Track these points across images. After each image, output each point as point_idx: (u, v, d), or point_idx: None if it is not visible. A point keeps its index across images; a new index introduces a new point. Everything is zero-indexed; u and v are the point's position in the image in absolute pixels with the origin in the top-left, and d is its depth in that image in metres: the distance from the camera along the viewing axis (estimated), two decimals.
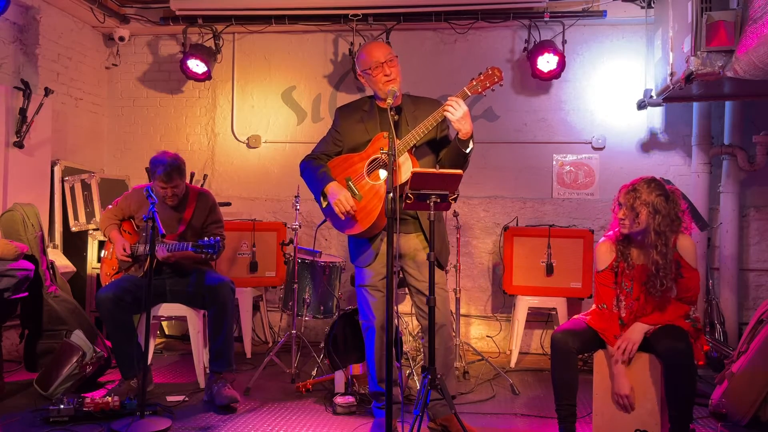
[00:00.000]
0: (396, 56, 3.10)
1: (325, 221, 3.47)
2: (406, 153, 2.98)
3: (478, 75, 2.92)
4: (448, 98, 2.88)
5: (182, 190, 3.82)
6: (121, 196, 4.02)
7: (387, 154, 2.70)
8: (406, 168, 2.93)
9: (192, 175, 5.04)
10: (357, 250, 3.22)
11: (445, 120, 2.98)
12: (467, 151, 2.97)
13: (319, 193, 3.11)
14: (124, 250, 3.77)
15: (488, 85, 2.89)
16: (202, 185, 5.39)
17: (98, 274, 4.88)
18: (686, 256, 2.82)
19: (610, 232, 2.98)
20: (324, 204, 3.10)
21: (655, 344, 2.76)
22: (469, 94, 2.90)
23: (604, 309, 2.88)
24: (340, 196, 3.01)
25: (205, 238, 3.53)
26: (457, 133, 2.93)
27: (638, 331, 2.79)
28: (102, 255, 4.05)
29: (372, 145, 3.09)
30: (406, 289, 3.32)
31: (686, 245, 2.83)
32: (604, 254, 2.95)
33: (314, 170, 3.17)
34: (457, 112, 2.85)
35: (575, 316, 3.03)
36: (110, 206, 4.00)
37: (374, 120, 3.14)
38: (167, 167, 3.67)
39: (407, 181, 2.72)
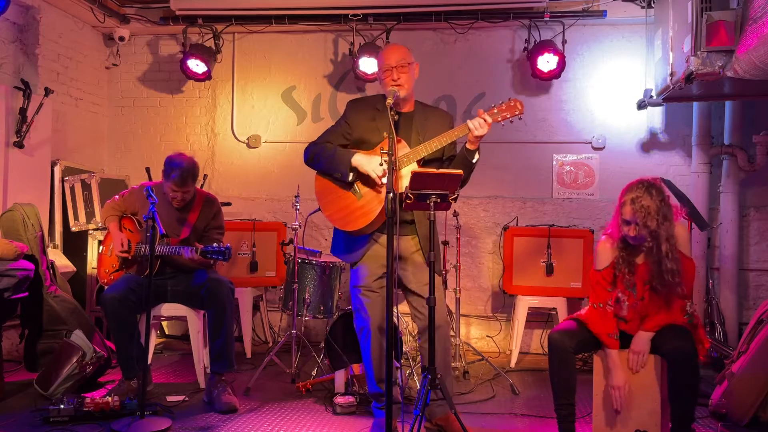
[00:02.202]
0: (410, 63, 3.07)
1: (317, 210, 3.43)
2: (414, 164, 2.96)
3: (500, 103, 2.94)
4: (480, 113, 2.89)
5: (191, 195, 3.82)
6: (128, 189, 3.98)
7: (387, 154, 2.69)
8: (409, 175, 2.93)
9: None
10: (345, 246, 3.19)
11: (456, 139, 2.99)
12: (474, 160, 2.97)
13: (345, 167, 3.02)
14: (122, 245, 3.75)
15: (508, 116, 2.93)
16: (202, 185, 5.39)
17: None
18: (680, 245, 2.81)
19: (610, 230, 2.95)
20: (350, 177, 3.03)
21: (660, 344, 2.76)
22: (489, 120, 2.91)
23: (600, 308, 2.87)
24: (372, 165, 2.96)
25: (215, 245, 3.52)
26: (466, 142, 2.94)
27: (644, 341, 2.78)
28: (99, 251, 4.02)
29: (381, 146, 3.07)
30: (400, 290, 3.30)
31: (680, 233, 2.82)
32: (606, 253, 2.91)
33: (328, 149, 3.11)
34: (481, 129, 2.87)
35: (571, 316, 3.03)
36: (117, 197, 3.96)
37: (386, 120, 3.12)
38: (183, 172, 3.63)
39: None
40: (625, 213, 2.77)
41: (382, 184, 2.96)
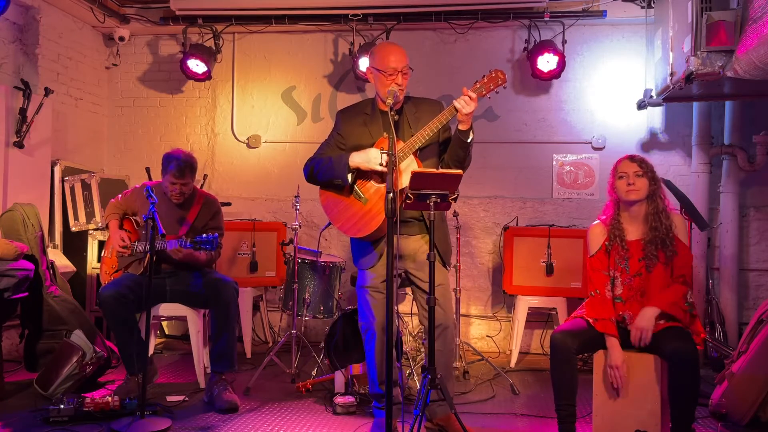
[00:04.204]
0: (411, 69, 3.07)
1: (329, 225, 3.46)
2: (411, 156, 2.97)
3: (482, 77, 2.92)
4: (464, 91, 2.88)
5: (190, 189, 3.84)
6: (130, 189, 4.02)
7: (387, 153, 2.69)
8: (410, 171, 2.92)
9: None
10: (360, 253, 3.20)
11: (447, 122, 2.98)
12: (469, 140, 2.96)
13: (343, 170, 3.02)
14: (122, 240, 3.77)
15: (492, 87, 2.91)
16: (201, 185, 5.40)
17: (98, 274, 4.89)
18: (678, 233, 2.89)
19: (603, 216, 3.04)
20: (350, 179, 3.02)
21: (661, 345, 2.76)
22: (474, 96, 2.91)
23: (597, 295, 2.90)
24: (370, 154, 2.97)
25: (203, 234, 3.52)
26: (458, 125, 2.94)
27: (648, 318, 2.78)
28: (102, 254, 4.05)
29: (376, 148, 3.06)
30: (407, 289, 3.30)
31: (678, 221, 2.92)
32: (597, 236, 3.00)
33: (324, 161, 3.12)
34: (468, 107, 2.87)
35: (573, 315, 3.04)
36: (119, 196, 4.00)
37: (377, 123, 3.13)
38: (181, 163, 3.70)
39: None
40: (621, 168, 2.95)
41: (384, 169, 2.94)
